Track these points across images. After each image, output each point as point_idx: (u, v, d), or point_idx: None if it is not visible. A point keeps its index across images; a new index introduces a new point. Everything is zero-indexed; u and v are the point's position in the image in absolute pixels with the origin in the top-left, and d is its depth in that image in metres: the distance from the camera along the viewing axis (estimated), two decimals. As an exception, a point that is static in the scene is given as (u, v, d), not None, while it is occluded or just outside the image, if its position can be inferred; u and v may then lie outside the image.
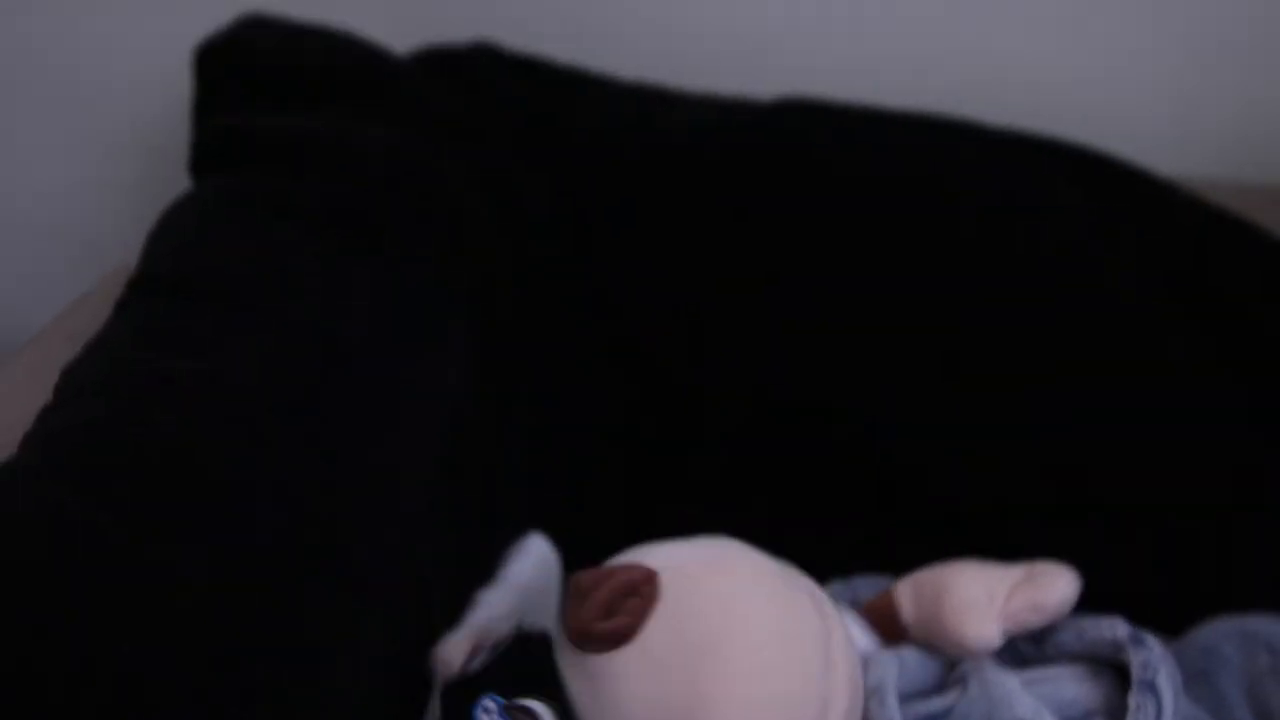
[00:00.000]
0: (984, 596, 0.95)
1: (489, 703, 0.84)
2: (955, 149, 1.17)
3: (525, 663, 0.88)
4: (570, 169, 1.16)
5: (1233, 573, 1.10)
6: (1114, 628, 0.96)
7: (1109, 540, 1.11)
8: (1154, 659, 0.92)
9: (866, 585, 1.04)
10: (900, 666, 0.95)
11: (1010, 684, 0.93)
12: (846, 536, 1.14)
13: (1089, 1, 1.32)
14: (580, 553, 0.91)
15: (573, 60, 1.26)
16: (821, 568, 0.96)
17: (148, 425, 0.86)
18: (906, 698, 0.94)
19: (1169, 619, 1.03)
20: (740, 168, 1.16)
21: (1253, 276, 1.15)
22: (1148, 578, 1.10)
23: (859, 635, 0.98)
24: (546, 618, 0.89)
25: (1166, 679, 0.91)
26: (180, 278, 0.98)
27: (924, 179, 1.15)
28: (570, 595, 0.85)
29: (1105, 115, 1.32)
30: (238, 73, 1.17)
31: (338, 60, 1.18)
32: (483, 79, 1.21)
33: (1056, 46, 1.33)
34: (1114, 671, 0.96)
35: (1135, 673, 0.92)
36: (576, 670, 0.84)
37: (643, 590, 0.83)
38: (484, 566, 0.94)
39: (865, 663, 0.93)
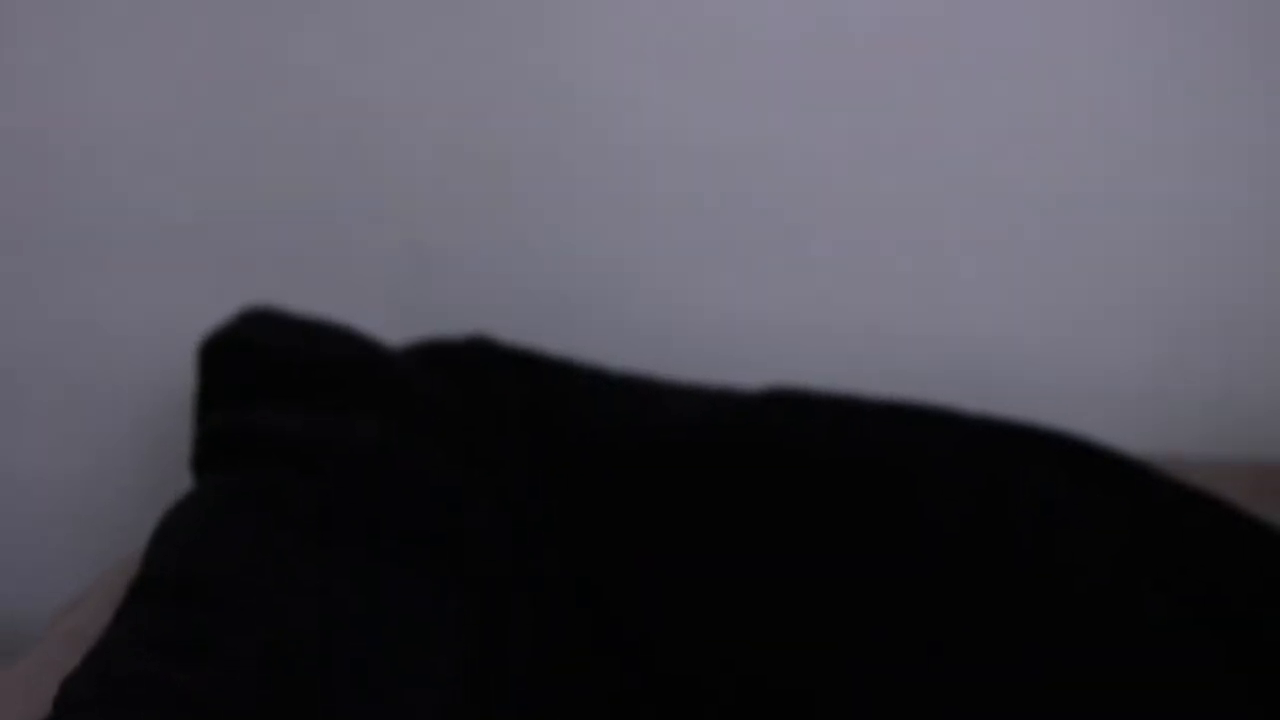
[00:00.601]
0: None
1: None
2: (940, 439, 1.17)
3: None
4: (564, 464, 1.16)
5: None
6: None
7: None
8: None
9: None
10: None
11: None
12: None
13: (1066, 289, 1.35)
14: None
15: (566, 348, 1.27)
16: None
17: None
18: None
19: None
20: (730, 464, 1.16)
21: (1234, 560, 1.14)
22: None
23: None
24: None
25: None
26: (181, 583, 0.96)
27: (911, 470, 1.15)
28: None
29: (1083, 395, 1.34)
30: (240, 368, 1.18)
31: (337, 356, 1.18)
32: (478, 373, 1.21)
33: (1036, 332, 1.35)
34: None
35: None
36: None
37: None
38: None
39: None
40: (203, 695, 0.88)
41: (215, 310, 1.23)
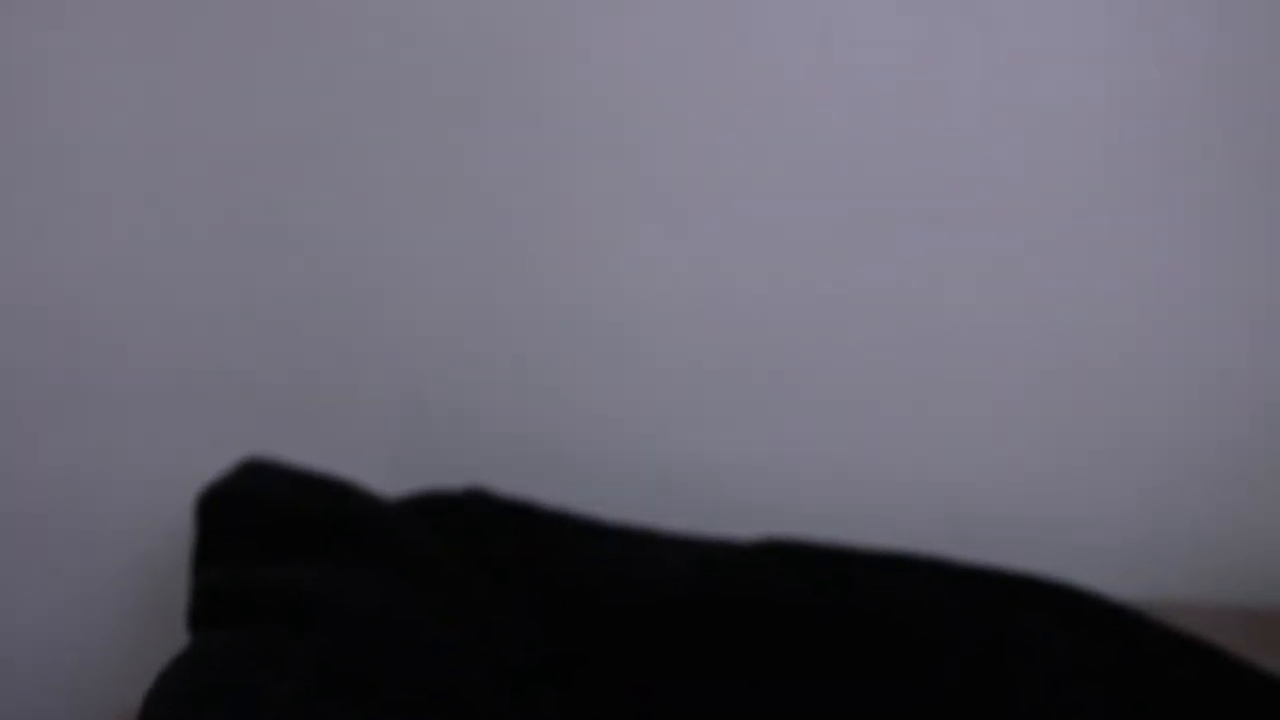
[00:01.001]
0: None
1: None
2: (938, 588, 1.16)
3: None
4: (561, 618, 1.15)
5: None
6: None
7: None
8: None
9: None
10: None
11: None
12: None
13: (1052, 434, 1.34)
14: None
15: (564, 498, 1.26)
16: None
17: None
18: None
19: None
20: (728, 615, 1.14)
21: (1230, 708, 1.12)
22: None
23: None
24: None
25: None
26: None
27: (910, 621, 1.14)
28: None
29: (1072, 541, 1.33)
30: (238, 522, 1.16)
31: (335, 510, 1.17)
32: (474, 525, 1.20)
33: (1023, 477, 1.34)
34: None
35: None
36: None
37: None
38: None
39: None
40: None
41: (214, 460, 1.22)
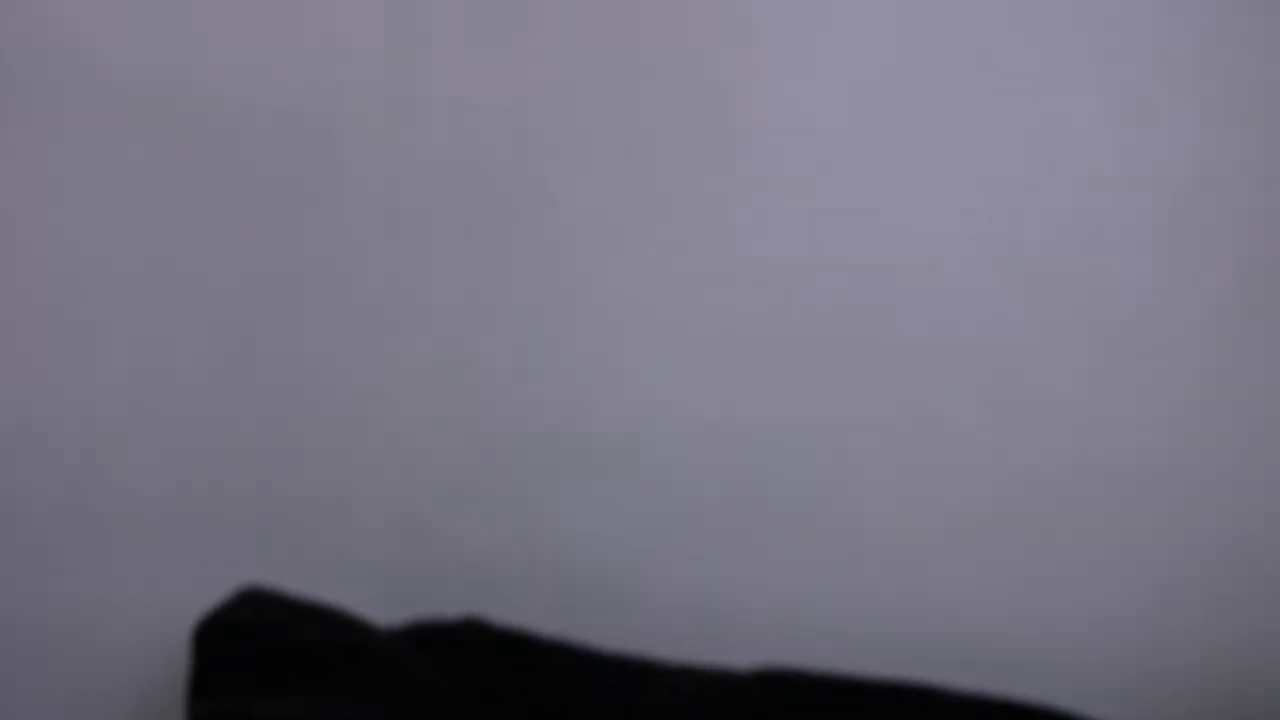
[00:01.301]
0: None
1: None
2: (933, 718, 1.14)
3: None
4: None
5: None
6: None
7: None
8: None
9: None
10: None
11: None
12: None
13: (1049, 560, 1.33)
14: None
15: (561, 622, 1.25)
16: None
17: None
18: None
19: None
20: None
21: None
22: None
23: None
24: None
25: None
26: None
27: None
28: None
29: (1069, 668, 1.31)
30: (235, 653, 1.15)
31: (331, 641, 1.16)
32: (470, 656, 1.20)
33: (1020, 604, 1.33)
34: None
35: None
36: None
37: None
38: None
39: None
40: None
41: (210, 585, 1.21)
